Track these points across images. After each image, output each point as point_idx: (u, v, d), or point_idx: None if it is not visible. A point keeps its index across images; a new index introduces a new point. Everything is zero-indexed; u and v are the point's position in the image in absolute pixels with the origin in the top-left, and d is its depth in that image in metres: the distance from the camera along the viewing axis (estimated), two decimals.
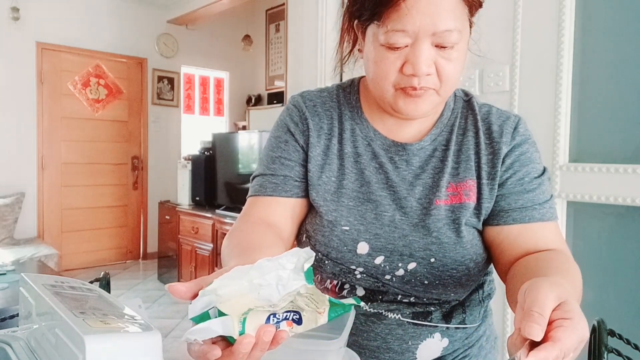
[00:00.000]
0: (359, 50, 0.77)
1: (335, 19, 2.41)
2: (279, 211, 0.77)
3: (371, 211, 0.75)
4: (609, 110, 1.50)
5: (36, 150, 4.39)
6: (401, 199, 0.75)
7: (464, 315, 0.78)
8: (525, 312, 0.44)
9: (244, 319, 0.48)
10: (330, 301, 0.53)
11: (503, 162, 0.75)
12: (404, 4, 0.62)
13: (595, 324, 0.87)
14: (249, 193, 0.81)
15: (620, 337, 0.87)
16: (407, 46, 0.65)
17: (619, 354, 0.85)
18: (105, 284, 1.08)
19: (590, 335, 0.88)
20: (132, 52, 4.94)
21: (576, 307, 0.46)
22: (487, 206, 0.74)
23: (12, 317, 1.00)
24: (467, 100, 0.82)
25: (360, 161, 0.77)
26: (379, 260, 0.74)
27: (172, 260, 4.10)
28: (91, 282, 0.89)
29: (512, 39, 1.65)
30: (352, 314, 0.64)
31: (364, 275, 0.75)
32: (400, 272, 0.74)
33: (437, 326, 0.76)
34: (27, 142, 4.34)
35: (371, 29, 0.68)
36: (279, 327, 0.50)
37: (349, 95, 0.82)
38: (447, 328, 0.77)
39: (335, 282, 0.78)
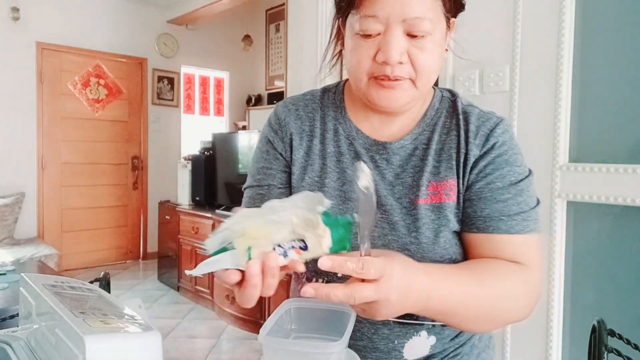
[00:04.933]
0: (343, 48, 0.78)
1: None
2: None
3: (352, 210, 0.75)
4: (609, 110, 1.50)
5: (36, 150, 4.39)
6: (381, 197, 0.75)
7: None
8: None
9: (249, 251, 0.53)
10: (326, 222, 0.55)
11: (475, 165, 0.73)
12: None
13: (595, 324, 0.87)
14: (242, 205, 0.83)
15: (620, 337, 0.87)
16: (379, 34, 0.66)
17: (619, 354, 0.85)
18: (105, 284, 1.08)
19: (590, 335, 0.88)
20: (132, 52, 4.93)
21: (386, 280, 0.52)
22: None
23: (12, 317, 1.00)
24: (453, 100, 0.80)
25: (342, 160, 0.78)
26: None
27: (172, 260, 4.10)
28: (91, 282, 0.89)
29: (512, 39, 1.65)
30: (353, 316, 0.64)
31: (346, 275, 0.75)
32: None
33: (422, 324, 0.75)
34: (27, 142, 4.34)
35: (349, 20, 0.70)
36: (287, 256, 0.54)
37: (333, 96, 0.83)
38: (434, 326, 0.76)
39: (318, 280, 0.77)
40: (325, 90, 0.85)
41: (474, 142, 0.73)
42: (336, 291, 0.51)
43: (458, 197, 0.73)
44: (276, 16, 5.41)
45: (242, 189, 0.86)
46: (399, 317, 0.74)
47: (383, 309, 0.54)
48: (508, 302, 0.66)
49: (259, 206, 0.77)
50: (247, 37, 5.50)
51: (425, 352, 0.76)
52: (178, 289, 4.00)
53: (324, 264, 0.51)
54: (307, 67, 2.55)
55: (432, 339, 0.76)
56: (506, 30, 1.67)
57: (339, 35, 0.80)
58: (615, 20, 1.49)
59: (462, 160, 0.73)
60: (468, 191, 0.73)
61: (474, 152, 0.73)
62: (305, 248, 0.55)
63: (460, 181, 0.73)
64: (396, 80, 0.68)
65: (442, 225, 0.72)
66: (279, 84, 5.34)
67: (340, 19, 0.75)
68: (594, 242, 1.54)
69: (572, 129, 1.55)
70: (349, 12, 0.69)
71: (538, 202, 0.75)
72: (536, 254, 0.71)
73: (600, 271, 1.53)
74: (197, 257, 3.73)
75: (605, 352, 0.85)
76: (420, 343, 0.75)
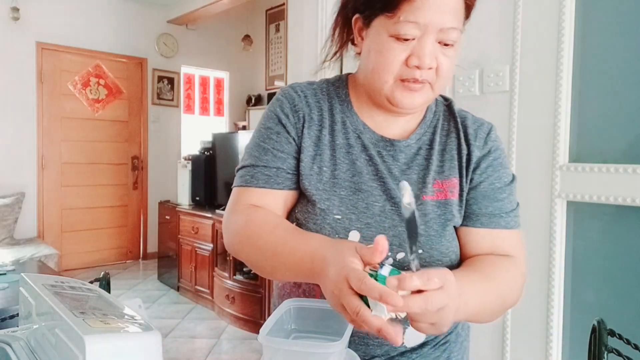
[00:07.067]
0: (354, 45, 0.80)
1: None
2: (271, 203, 0.79)
3: (362, 201, 0.77)
4: (609, 110, 1.50)
5: (36, 150, 4.39)
6: (390, 190, 0.78)
7: None
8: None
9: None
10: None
11: (477, 165, 0.81)
12: None
13: (595, 324, 0.87)
14: (237, 182, 0.81)
15: (620, 337, 0.87)
16: (413, 39, 0.70)
17: (619, 354, 0.85)
18: (105, 284, 1.08)
19: (590, 335, 0.88)
20: (132, 52, 4.93)
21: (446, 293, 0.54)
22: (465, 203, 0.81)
23: (12, 317, 1.00)
24: (448, 105, 0.87)
25: (352, 152, 0.80)
26: None
27: (172, 260, 4.10)
28: (91, 282, 0.89)
29: (512, 39, 1.65)
30: None
31: None
32: (390, 260, 0.76)
33: None
34: (27, 142, 4.34)
35: (379, 21, 0.72)
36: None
37: (338, 90, 0.84)
38: None
39: None
40: (328, 82, 0.86)
41: (475, 143, 0.81)
42: (414, 301, 0.52)
43: (460, 194, 0.80)
44: (276, 16, 5.41)
45: (238, 168, 0.82)
46: None
47: (450, 314, 0.55)
48: (511, 293, 0.75)
49: (262, 186, 0.78)
50: (247, 37, 5.50)
51: (422, 338, 0.80)
52: (178, 289, 4.00)
53: (392, 283, 0.52)
54: (307, 67, 2.55)
55: None
56: (506, 30, 1.67)
57: (343, 29, 0.82)
58: (615, 21, 1.49)
59: (464, 160, 0.80)
60: (473, 190, 0.80)
61: (476, 153, 0.81)
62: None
63: (463, 179, 0.80)
64: (422, 82, 0.72)
65: (448, 220, 0.78)
66: (279, 84, 5.34)
67: (357, 16, 0.76)
68: (594, 242, 1.54)
69: (572, 129, 1.55)
70: (381, 14, 0.71)
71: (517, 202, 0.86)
72: (522, 247, 0.82)
73: (600, 271, 1.53)
74: (197, 257, 3.73)
75: (605, 352, 0.85)
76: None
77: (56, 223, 4.54)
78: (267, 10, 5.51)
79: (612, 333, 0.87)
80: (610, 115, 1.50)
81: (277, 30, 5.41)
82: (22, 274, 0.57)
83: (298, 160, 0.80)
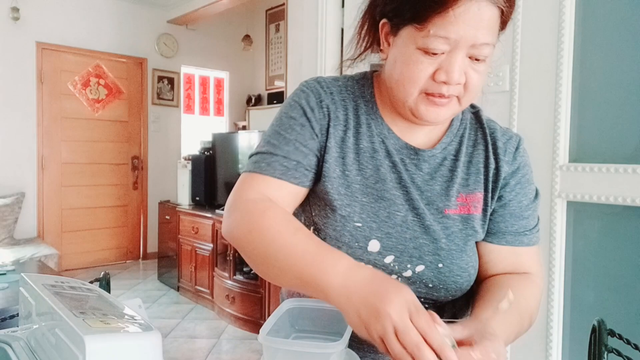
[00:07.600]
0: (380, 50, 0.75)
1: (335, 19, 2.41)
2: (282, 196, 0.73)
3: (384, 209, 0.75)
4: (609, 110, 1.50)
5: (36, 150, 4.39)
6: (413, 201, 0.75)
7: (454, 310, 0.80)
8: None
9: None
10: None
11: (507, 182, 0.78)
12: (452, 11, 0.63)
13: (595, 324, 0.87)
14: (250, 168, 0.74)
15: (620, 337, 0.87)
16: (442, 53, 0.66)
17: (619, 354, 0.85)
18: (105, 284, 1.08)
19: (590, 335, 0.88)
20: (132, 52, 4.93)
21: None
22: (489, 218, 0.79)
23: (12, 317, 1.00)
24: (475, 113, 0.83)
25: (376, 157, 0.76)
26: (388, 259, 0.74)
27: (172, 260, 4.10)
28: (91, 282, 0.89)
29: (512, 39, 1.65)
30: None
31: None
32: (408, 273, 0.74)
33: None
34: (27, 142, 4.34)
35: (407, 31, 0.68)
36: None
37: (363, 89, 0.80)
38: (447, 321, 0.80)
39: None
40: (353, 79, 0.81)
41: (504, 158, 0.78)
42: None
43: (484, 209, 0.78)
44: (276, 16, 5.41)
45: (252, 154, 0.76)
46: None
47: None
48: (532, 314, 0.76)
49: (278, 177, 0.72)
50: (247, 37, 5.50)
51: None
52: (178, 289, 4.00)
53: (451, 358, 0.53)
54: (307, 67, 2.55)
55: None
56: (506, 30, 1.67)
57: (369, 31, 0.78)
58: (615, 21, 1.49)
59: (491, 175, 0.78)
60: (501, 208, 0.79)
61: (505, 169, 0.78)
62: None
63: (489, 195, 0.78)
64: (448, 97, 0.69)
65: (470, 235, 0.77)
66: (279, 84, 5.34)
67: (384, 21, 0.72)
68: (594, 242, 1.54)
69: (572, 129, 1.55)
70: (409, 24, 0.67)
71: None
72: (540, 261, 0.82)
73: (600, 271, 1.53)
74: (197, 257, 3.73)
75: (605, 352, 0.85)
76: None
77: (56, 223, 4.54)
78: (267, 10, 5.51)
79: (612, 333, 0.87)
80: (611, 115, 1.49)
81: (277, 30, 5.41)
82: (22, 274, 0.57)
83: (318, 158, 0.76)
